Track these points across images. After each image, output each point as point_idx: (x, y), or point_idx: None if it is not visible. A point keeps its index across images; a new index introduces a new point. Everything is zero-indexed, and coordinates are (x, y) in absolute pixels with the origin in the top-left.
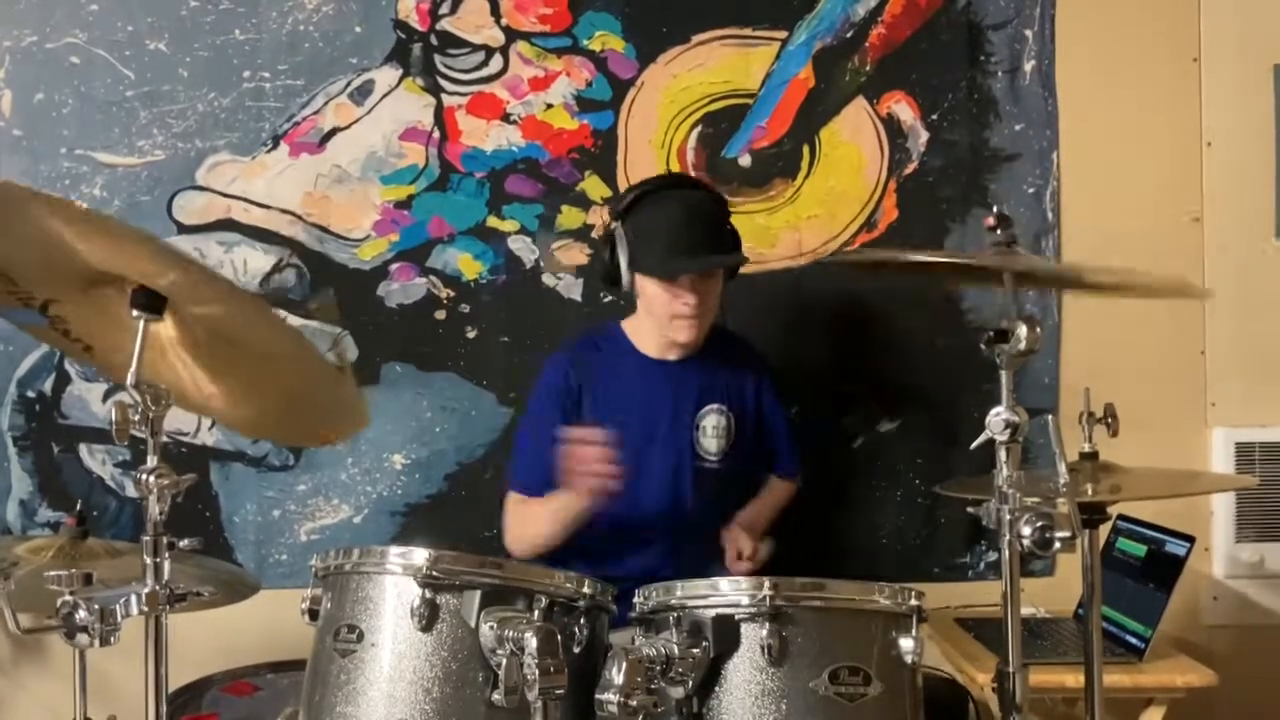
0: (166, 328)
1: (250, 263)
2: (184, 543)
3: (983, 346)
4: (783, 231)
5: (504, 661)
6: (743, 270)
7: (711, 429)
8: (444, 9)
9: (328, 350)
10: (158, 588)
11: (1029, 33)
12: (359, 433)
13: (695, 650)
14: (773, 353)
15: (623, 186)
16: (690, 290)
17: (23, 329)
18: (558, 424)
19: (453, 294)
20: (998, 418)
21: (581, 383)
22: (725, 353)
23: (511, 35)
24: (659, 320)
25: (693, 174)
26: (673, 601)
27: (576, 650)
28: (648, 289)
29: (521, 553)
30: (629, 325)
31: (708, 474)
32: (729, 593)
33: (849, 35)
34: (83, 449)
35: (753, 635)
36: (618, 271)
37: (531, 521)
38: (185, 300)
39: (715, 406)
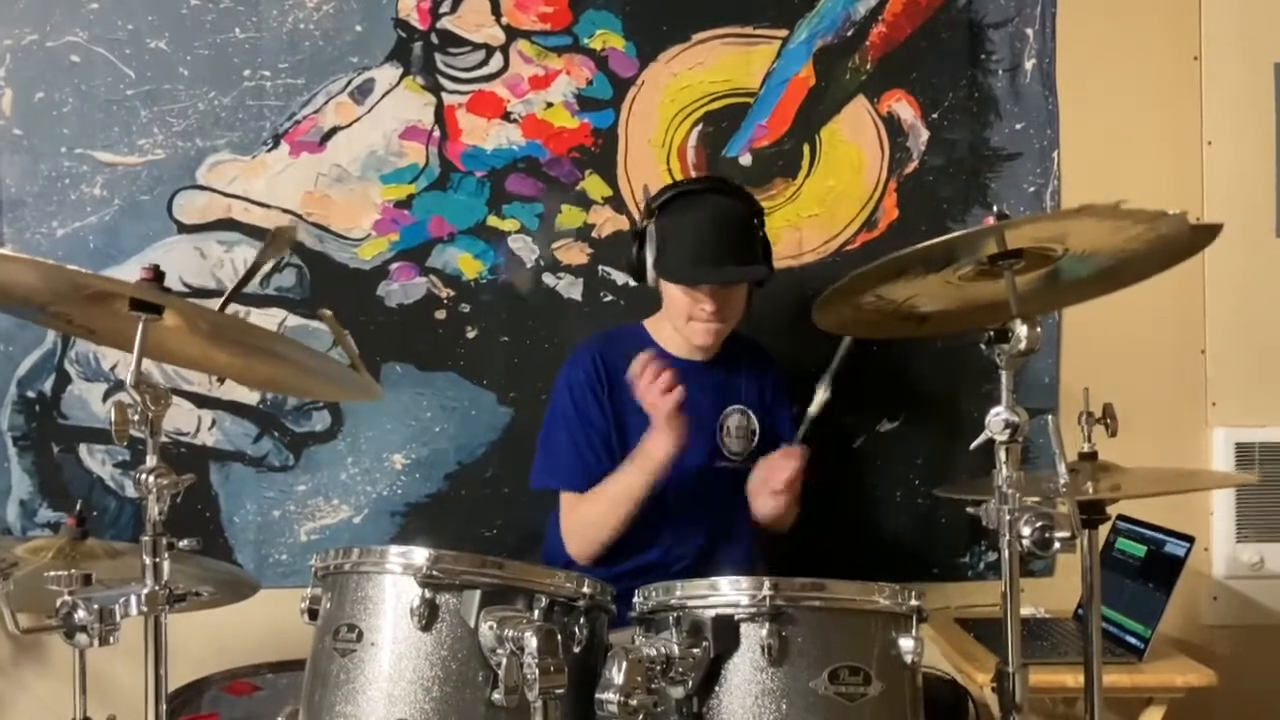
0: (170, 317)
1: (250, 262)
2: (183, 543)
3: (983, 346)
4: (783, 230)
5: (504, 661)
6: None
7: (735, 429)
8: (444, 8)
9: (329, 349)
10: (157, 588)
11: (1030, 31)
12: (372, 402)
13: (695, 650)
14: (772, 352)
15: (623, 186)
16: (711, 298)
17: (25, 319)
18: (595, 417)
19: (453, 293)
20: (998, 418)
21: (611, 377)
22: (744, 354)
23: (512, 34)
24: (676, 322)
25: (692, 174)
26: (673, 601)
27: (576, 650)
28: (670, 290)
29: (588, 556)
30: (652, 325)
31: (733, 474)
32: (729, 593)
33: (849, 34)
34: (82, 449)
35: (753, 635)
36: (643, 268)
37: (595, 517)
38: (177, 306)
39: (738, 407)
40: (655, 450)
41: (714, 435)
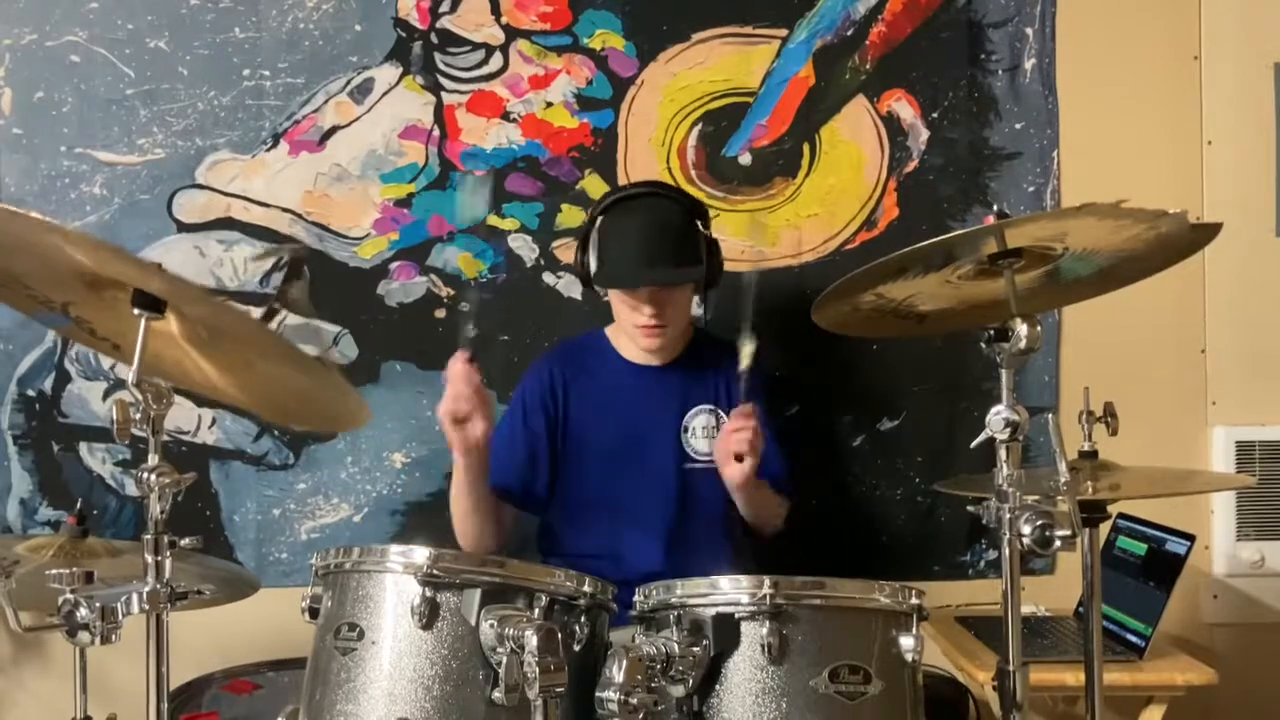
0: (170, 325)
1: (250, 261)
2: (184, 541)
3: (983, 345)
4: (783, 230)
5: (504, 660)
6: (744, 269)
7: (701, 429)
8: (444, 7)
9: (328, 348)
10: (158, 586)
11: (1029, 31)
12: (362, 426)
13: (695, 649)
14: (772, 351)
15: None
16: (648, 302)
17: (55, 330)
18: (539, 429)
19: (453, 292)
20: (998, 416)
21: (567, 388)
22: (710, 355)
23: (511, 33)
24: (624, 329)
25: (692, 173)
26: (673, 600)
27: (577, 649)
28: (613, 298)
29: (469, 547)
30: (611, 331)
31: (699, 474)
32: (729, 591)
33: (849, 33)
34: (83, 447)
35: (753, 633)
36: (588, 274)
37: (454, 511)
38: (180, 301)
39: (704, 407)
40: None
41: (678, 437)
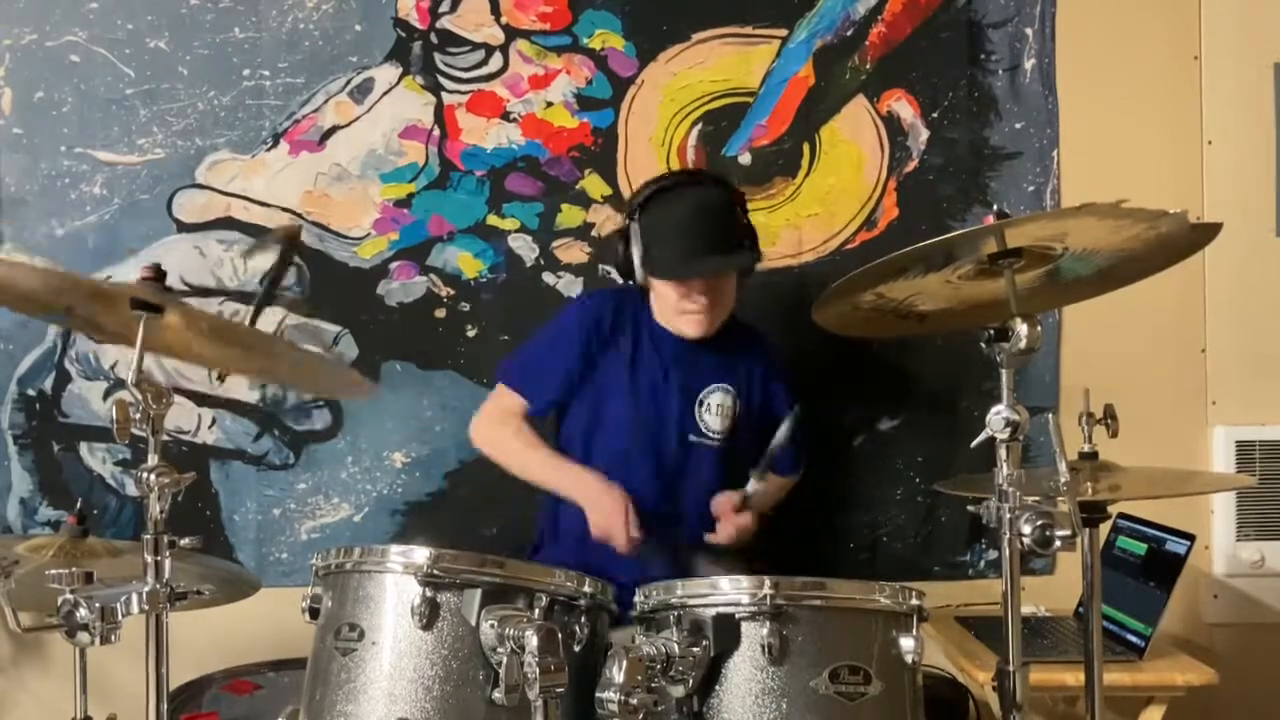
0: (171, 319)
1: (250, 261)
2: (184, 541)
3: (983, 345)
4: (783, 229)
5: (505, 660)
6: None
7: (716, 406)
8: (444, 7)
9: (328, 348)
10: (158, 586)
11: (1029, 31)
12: (364, 398)
13: (696, 649)
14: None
15: (623, 185)
16: (703, 293)
17: (60, 326)
18: (576, 348)
19: (453, 292)
20: (998, 416)
21: (611, 330)
22: (738, 338)
23: (511, 33)
24: (667, 315)
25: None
26: (673, 600)
27: (577, 649)
28: (659, 286)
29: (478, 444)
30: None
31: (707, 450)
32: (729, 591)
33: (849, 33)
34: (83, 447)
35: (753, 634)
36: (631, 267)
37: (510, 454)
38: (176, 306)
39: (722, 385)
40: (576, 497)
41: (691, 409)
